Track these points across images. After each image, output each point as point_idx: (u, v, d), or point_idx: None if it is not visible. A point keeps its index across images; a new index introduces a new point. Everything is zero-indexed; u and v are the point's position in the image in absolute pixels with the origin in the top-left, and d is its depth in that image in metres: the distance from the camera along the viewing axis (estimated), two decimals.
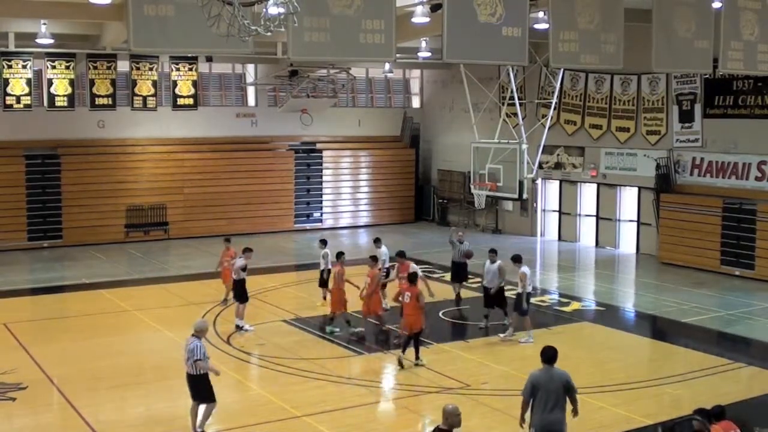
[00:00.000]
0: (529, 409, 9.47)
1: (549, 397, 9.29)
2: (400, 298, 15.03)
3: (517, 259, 16.78)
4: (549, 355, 9.51)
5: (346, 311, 16.93)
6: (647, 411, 12.47)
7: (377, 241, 20.02)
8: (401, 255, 17.48)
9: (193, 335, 11.38)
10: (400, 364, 14.63)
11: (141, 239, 29.18)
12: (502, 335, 16.49)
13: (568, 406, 9.54)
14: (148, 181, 29.67)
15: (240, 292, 17.46)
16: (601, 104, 27.94)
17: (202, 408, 11.47)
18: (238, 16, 8.25)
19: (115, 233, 29.04)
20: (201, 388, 11.35)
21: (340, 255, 17.46)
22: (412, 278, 15.21)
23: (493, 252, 17.47)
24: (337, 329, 16.84)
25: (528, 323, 16.44)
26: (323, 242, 19.81)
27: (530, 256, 27.89)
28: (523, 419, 9.60)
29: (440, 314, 18.52)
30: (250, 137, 31.98)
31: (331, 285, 17.40)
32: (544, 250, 29.16)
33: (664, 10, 15.78)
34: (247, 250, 17.72)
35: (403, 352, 14.75)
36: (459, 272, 19.88)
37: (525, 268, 16.43)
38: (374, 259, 17.53)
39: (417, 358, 14.76)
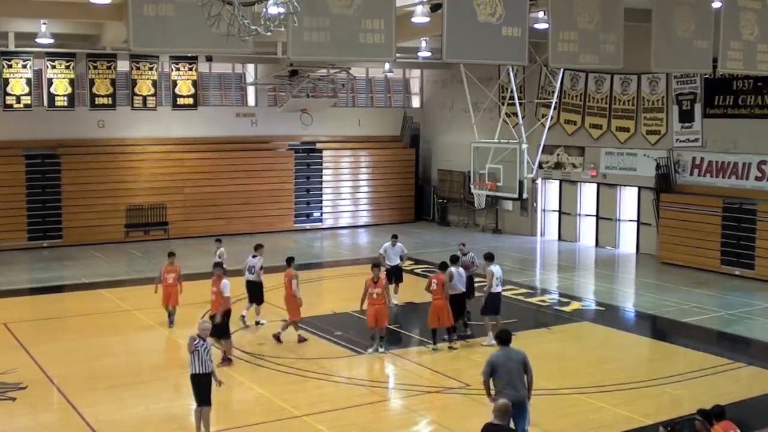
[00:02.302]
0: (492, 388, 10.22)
1: (508, 375, 10.06)
2: (431, 288, 15.68)
3: (488, 257, 16.48)
4: (505, 337, 10.42)
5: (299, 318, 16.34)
6: (647, 411, 12.47)
7: (394, 237, 19.90)
8: (218, 266, 15.84)
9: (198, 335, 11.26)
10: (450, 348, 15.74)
11: (141, 239, 29.17)
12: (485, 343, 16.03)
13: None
14: (148, 181, 29.66)
15: (259, 294, 17.44)
16: (601, 104, 27.94)
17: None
18: (238, 15, 8.25)
19: (115, 233, 29.04)
20: (205, 389, 11.18)
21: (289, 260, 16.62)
22: (443, 266, 16.13)
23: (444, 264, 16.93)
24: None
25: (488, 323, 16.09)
26: (218, 240, 19.49)
27: (530, 256, 27.96)
28: (489, 396, 10.17)
29: None
30: (250, 137, 31.98)
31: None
32: (544, 250, 29.16)
33: (664, 10, 15.78)
34: (259, 247, 17.66)
35: (445, 340, 15.86)
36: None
37: (493, 267, 16.10)
38: (377, 266, 16.24)
39: (448, 340, 15.88)
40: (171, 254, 17.98)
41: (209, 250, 26.82)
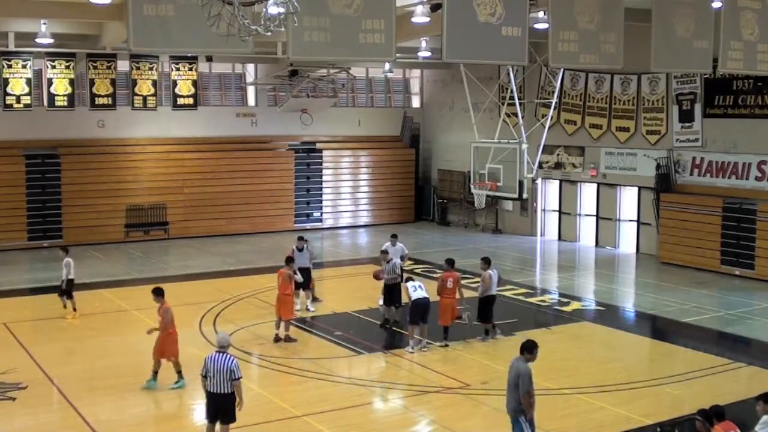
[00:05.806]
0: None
1: (507, 385, 10.00)
2: (447, 286, 15.79)
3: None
4: (522, 345, 10.18)
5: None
6: (647, 411, 12.46)
7: (394, 237, 19.95)
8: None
9: (219, 351, 10.57)
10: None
11: (141, 239, 29.16)
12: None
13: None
14: (148, 181, 29.65)
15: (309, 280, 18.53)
16: (601, 104, 27.94)
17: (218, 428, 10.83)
18: (238, 15, 8.26)
19: (115, 233, 29.03)
20: (231, 407, 10.67)
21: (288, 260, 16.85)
22: (451, 262, 16.22)
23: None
24: None
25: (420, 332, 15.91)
26: (65, 250, 19.19)
27: (530, 256, 27.95)
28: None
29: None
30: (250, 137, 31.98)
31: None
32: (544, 250, 29.16)
33: (664, 10, 15.79)
34: (301, 239, 18.86)
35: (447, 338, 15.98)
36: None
37: (409, 285, 15.98)
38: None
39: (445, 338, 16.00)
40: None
41: (210, 250, 26.98)
